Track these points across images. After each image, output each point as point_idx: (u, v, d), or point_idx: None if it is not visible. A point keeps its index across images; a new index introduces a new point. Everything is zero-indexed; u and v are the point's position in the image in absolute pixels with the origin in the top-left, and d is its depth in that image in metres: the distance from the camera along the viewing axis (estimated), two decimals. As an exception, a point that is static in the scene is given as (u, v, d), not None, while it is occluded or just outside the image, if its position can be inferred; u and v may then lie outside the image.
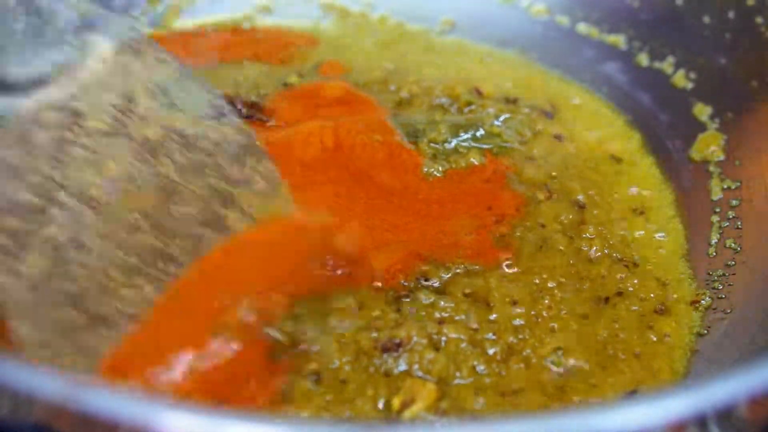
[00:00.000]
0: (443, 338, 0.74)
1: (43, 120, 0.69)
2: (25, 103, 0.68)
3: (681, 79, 1.00)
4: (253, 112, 0.96)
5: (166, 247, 0.75)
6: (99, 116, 0.72)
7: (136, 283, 0.73)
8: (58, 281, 0.69)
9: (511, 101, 1.02)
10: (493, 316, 0.77)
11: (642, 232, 0.89)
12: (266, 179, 0.82)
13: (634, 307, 0.80)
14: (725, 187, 0.91)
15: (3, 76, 0.68)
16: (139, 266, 0.73)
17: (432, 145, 0.92)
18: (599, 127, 1.02)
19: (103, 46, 0.74)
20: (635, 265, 0.84)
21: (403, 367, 0.73)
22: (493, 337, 0.75)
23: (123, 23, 0.78)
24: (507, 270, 0.81)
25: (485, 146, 0.93)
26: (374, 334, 0.74)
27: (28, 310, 0.67)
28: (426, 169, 0.89)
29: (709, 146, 0.93)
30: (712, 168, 0.93)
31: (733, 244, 0.86)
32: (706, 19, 0.98)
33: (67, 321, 0.69)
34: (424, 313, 0.76)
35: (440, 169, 0.89)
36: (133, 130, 0.74)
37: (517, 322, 0.76)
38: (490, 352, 0.74)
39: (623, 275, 0.83)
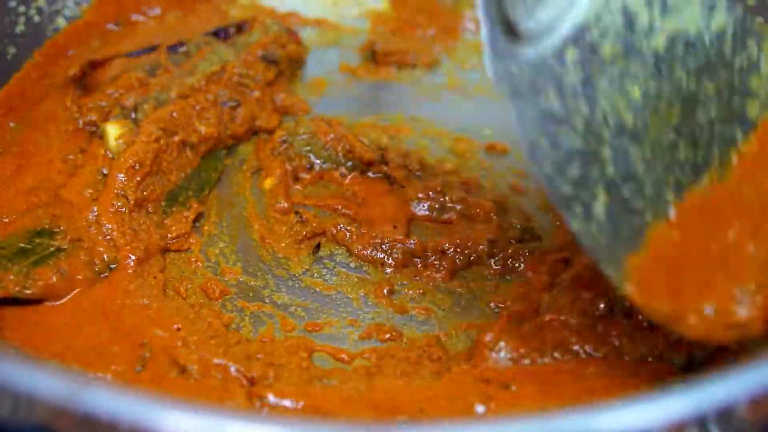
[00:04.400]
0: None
1: (568, 59, 0.68)
2: (550, 44, 0.67)
3: (681, 80, 0.99)
4: None
5: (695, 157, 0.72)
6: (608, 41, 0.69)
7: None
8: (623, 216, 0.68)
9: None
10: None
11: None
12: None
13: None
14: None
15: (521, 28, 0.66)
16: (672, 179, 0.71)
17: None
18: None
19: None
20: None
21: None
22: None
23: None
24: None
25: None
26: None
27: (601, 246, 0.67)
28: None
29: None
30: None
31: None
32: (707, 19, 0.98)
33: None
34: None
35: None
36: (641, 45, 0.71)
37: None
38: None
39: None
